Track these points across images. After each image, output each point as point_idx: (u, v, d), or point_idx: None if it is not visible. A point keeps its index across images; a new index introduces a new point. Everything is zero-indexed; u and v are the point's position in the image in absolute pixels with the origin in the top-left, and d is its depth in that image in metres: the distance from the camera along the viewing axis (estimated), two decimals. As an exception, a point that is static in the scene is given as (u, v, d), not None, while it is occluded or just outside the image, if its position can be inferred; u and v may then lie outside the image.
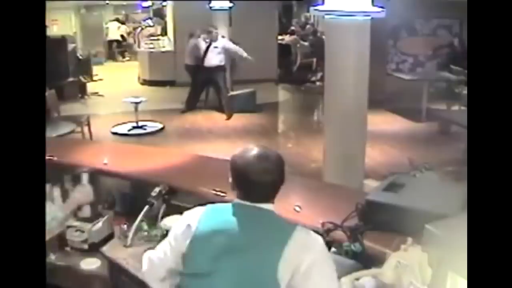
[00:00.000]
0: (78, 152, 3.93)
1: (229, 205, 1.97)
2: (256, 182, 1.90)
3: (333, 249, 2.32)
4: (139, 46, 15.41)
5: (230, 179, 1.97)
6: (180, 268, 1.97)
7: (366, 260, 2.26)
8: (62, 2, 15.60)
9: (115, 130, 8.98)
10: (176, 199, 3.09)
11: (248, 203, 1.92)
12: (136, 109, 8.93)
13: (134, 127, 8.98)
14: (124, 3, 20.38)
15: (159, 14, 18.73)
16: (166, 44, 14.12)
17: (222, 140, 8.48)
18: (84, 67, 13.03)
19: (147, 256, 2.16)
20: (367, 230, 2.40)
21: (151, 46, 14.04)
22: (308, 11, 14.90)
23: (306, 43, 14.13)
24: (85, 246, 3.09)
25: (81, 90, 11.67)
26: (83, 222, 3.15)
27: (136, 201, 3.22)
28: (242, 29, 11.37)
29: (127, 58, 18.17)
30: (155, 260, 2.10)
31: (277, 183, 1.93)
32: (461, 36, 10.86)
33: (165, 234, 2.41)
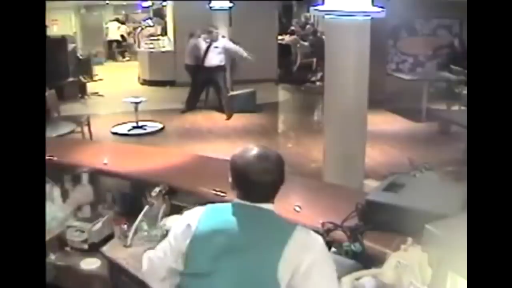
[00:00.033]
0: (78, 152, 3.94)
1: (229, 205, 1.97)
2: (256, 182, 1.90)
3: (333, 249, 2.32)
4: (139, 46, 15.41)
5: (230, 179, 1.97)
6: (180, 268, 1.97)
7: (366, 260, 2.26)
8: (62, 2, 15.61)
9: (115, 130, 8.98)
10: (176, 199, 3.09)
11: (248, 203, 1.93)
12: (136, 109, 8.93)
13: (134, 127, 8.98)
14: (124, 3, 20.39)
15: (159, 14, 18.73)
16: (166, 44, 14.12)
17: (222, 140, 8.48)
18: (85, 67, 13.04)
19: (147, 256, 2.16)
20: (367, 230, 2.40)
21: (151, 46, 14.04)
22: (308, 11, 14.89)
23: (306, 43, 14.13)
24: (85, 246, 3.10)
25: (81, 90, 11.67)
26: (83, 222, 3.16)
27: (136, 201, 3.22)
28: (242, 29, 11.37)
29: (127, 58, 18.17)
30: (155, 260, 2.10)
31: (277, 183, 1.93)
32: (461, 36, 10.86)
33: (165, 234, 2.41)
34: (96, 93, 11.91)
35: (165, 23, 16.34)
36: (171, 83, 12.49)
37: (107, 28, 18.89)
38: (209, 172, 3.38)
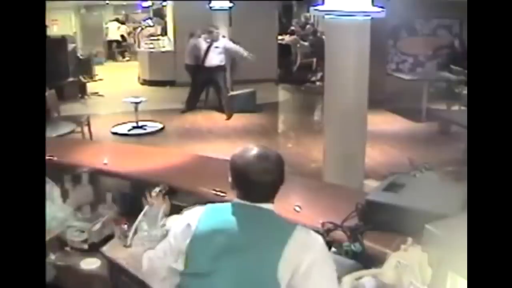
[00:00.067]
0: (78, 152, 3.93)
1: (229, 204, 1.97)
2: (256, 182, 1.90)
3: (333, 249, 2.32)
4: (139, 46, 15.42)
5: (230, 179, 1.97)
6: (180, 267, 1.97)
7: (366, 260, 2.26)
8: (62, 2, 15.61)
9: (115, 130, 8.98)
10: (176, 199, 3.09)
11: (248, 202, 1.93)
12: (136, 109, 8.93)
13: (134, 127, 8.98)
14: (124, 3, 20.39)
15: (159, 14, 18.74)
16: (166, 44, 14.12)
17: (222, 140, 8.48)
18: (85, 67, 13.06)
19: (147, 256, 2.16)
20: (367, 230, 2.40)
21: (151, 46, 14.04)
22: (308, 11, 14.89)
23: (306, 43, 14.12)
24: (85, 246, 3.10)
25: (81, 90, 11.67)
26: (83, 222, 3.16)
27: (136, 201, 3.22)
28: (242, 29, 11.37)
29: (127, 58, 18.17)
30: (155, 260, 2.10)
31: (277, 183, 1.93)
32: (461, 36, 10.86)
33: (165, 234, 2.41)
34: (96, 93, 11.91)
35: (165, 23, 16.34)
36: (171, 83, 12.49)
37: (107, 28, 18.89)
38: (209, 172, 3.38)
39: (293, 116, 10.92)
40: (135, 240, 2.88)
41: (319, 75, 12.51)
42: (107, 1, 19.67)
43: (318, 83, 12.48)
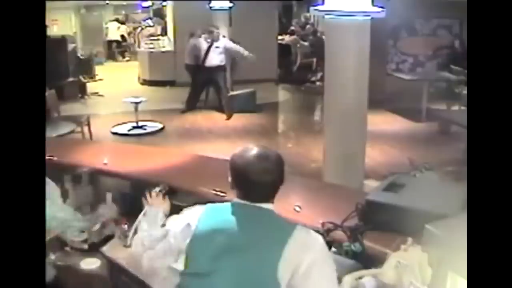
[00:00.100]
0: (78, 152, 3.94)
1: (229, 204, 1.97)
2: (256, 182, 1.90)
3: (333, 249, 2.32)
4: (139, 46, 15.41)
5: (230, 179, 1.97)
6: (179, 267, 1.97)
7: (366, 260, 2.26)
8: (62, 2, 15.61)
9: (115, 130, 8.98)
10: (176, 199, 3.09)
11: (248, 202, 1.93)
12: (136, 109, 8.93)
13: (134, 127, 8.98)
14: (124, 3, 20.39)
15: (159, 14, 18.73)
16: (166, 44, 14.12)
17: (222, 140, 8.48)
18: (86, 66, 13.06)
19: (147, 256, 2.16)
20: (367, 230, 2.40)
21: (151, 46, 14.04)
22: (308, 11, 14.89)
23: (306, 43, 14.12)
24: (85, 246, 3.10)
25: (81, 90, 11.67)
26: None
27: (136, 201, 3.21)
28: (242, 29, 11.37)
29: (127, 58, 18.16)
30: (156, 260, 2.10)
31: (277, 183, 1.93)
32: (461, 36, 10.86)
33: (165, 234, 2.40)
34: (96, 93, 11.91)
35: (165, 23, 16.34)
36: (171, 83, 12.49)
37: (107, 28, 18.88)
38: (209, 172, 3.38)
39: (293, 116, 10.92)
40: (135, 240, 2.88)
41: (319, 75, 12.50)
42: (107, 1, 19.66)
43: (318, 83, 12.48)
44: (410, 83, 9.91)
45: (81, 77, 12.07)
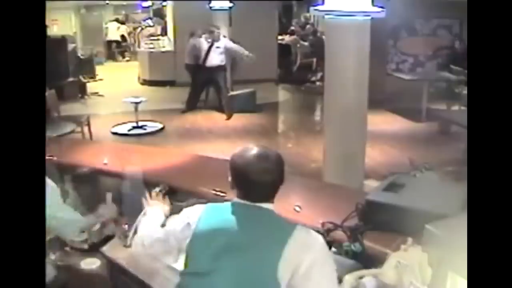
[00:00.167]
0: (78, 152, 3.94)
1: (229, 204, 1.97)
2: (256, 182, 1.90)
3: (333, 249, 2.32)
4: (139, 46, 15.41)
5: (230, 179, 1.97)
6: (179, 267, 1.97)
7: (366, 260, 2.26)
8: (62, 2, 15.60)
9: (115, 130, 8.98)
10: (176, 199, 3.09)
11: (248, 202, 1.93)
12: (136, 109, 8.92)
13: (134, 127, 8.98)
14: (124, 3, 20.38)
15: (159, 14, 18.72)
16: (166, 44, 14.12)
17: (222, 140, 8.48)
18: (87, 66, 13.07)
19: (147, 256, 2.16)
20: (367, 230, 2.41)
21: (151, 46, 14.04)
22: (308, 11, 14.89)
23: (306, 43, 14.12)
24: (85, 246, 3.09)
25: (81, 90, 11.66)
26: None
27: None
28: (242, 29, 11.36)
29: (127, 58, 18.16)
30: (155, 260, 2.10)
31: (277, 183, 1.93)
32: (461, 36, 10.86)
33: (165, 234, 2.40)
34: (96, 93, 11.90)
35: (165, 23, 16.33)
36: (171, 83, 12.49)
37: (106, 28, 18.88)
38: (209, 172, 3.38)
39: (293, 116, 10.92)
40: (135, 240, 2.88)
41: (319, 75, 12.50)
42: (107, 1, 19.66)
43: (318, 83, 12.48)
44: (410, 83, 9.91)
45: (81, 77, 12.07)
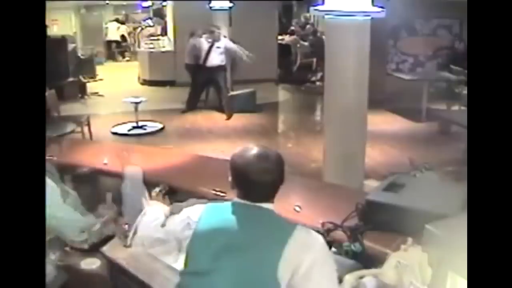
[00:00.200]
0: (78, 152, 3.94)
1: (229, 203, 1.97)
2: (256, 182, 1.90)
3: (333, 249, 2.32)
4: (139, 46, 15.41)
5: (230, 178, 1.97)
6: (179, 267, 1.97)
7: (366, 260, 2.26)
8: (62, 2, 15.61)
9: (115, 130, 8.98)
10: (176, 199, 3.09)
11: (248, 202, 1.93)
12: (136, 109, 8.93)
13: (134, 127, 8.98)
14: (124, 3, 20.38)
15: (159, 14, 18.73)
16: (166, 44, 14.12)
17: (222, 140, 8.48)
18: (87, 66, 13.07)
19: (147, 256, 2.16)
20: (367, 230, 2.40)
21: (151, 46, 14.04)
22: (308, 11, 14.89)
23: (306, 43, 14.12)
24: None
25: (81, 90, 11.67)
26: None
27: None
28: (242, 29, 11.37)
29: (127, 58, 18.16)
30: (155, 260, 2.10)
31: (277, 183, 1.93)
32: (461, 36, 10.86)
33: (165, 234, 2.40)
34: (96, 93, 11.91)
35: (165, 23, 16.33)
36: (171, 83, 12.49)
37: (106, 28, 18.88)
38: (209, 172, 3.38)
39: (293, 116, 10.92)
40: (135, 240, 2.89)
41: (319, 75, 12.51)
42: (107, 1, 19.66)
43: (318, 83, 12.48)
44: (410, 83, 9.91)
45: (81, 77, 12.07)
